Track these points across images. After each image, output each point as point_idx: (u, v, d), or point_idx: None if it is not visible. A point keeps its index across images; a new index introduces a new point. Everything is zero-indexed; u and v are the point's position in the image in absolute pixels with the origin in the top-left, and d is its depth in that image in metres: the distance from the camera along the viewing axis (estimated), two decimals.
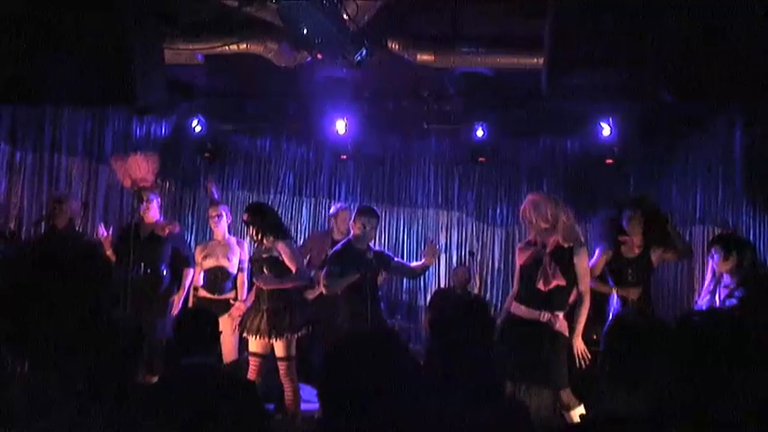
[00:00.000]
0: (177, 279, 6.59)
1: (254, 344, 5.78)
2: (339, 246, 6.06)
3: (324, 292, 5.98)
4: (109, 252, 6.33)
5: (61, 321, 1.56)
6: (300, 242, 7.94)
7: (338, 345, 1.88)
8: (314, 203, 9.37)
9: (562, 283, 5.11)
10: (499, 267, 8.92)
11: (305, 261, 7.07)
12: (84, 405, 1.52)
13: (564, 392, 5.03)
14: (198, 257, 6.59)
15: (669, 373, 2.08)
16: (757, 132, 7.72)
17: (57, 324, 1.55)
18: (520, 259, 5.33)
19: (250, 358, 5.82)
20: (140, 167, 6.70)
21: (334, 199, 9.01)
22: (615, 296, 5.93)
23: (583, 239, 5.27)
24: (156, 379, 4.54)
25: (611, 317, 5.88)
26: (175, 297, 6.53)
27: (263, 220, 5.80)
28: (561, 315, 5.20)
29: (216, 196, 7.04)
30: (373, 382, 1.70)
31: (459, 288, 7.97)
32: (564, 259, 5.13)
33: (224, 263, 6.48)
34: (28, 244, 4.35)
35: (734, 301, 5.39)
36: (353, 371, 1.73)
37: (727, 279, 5.54)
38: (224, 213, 6.65)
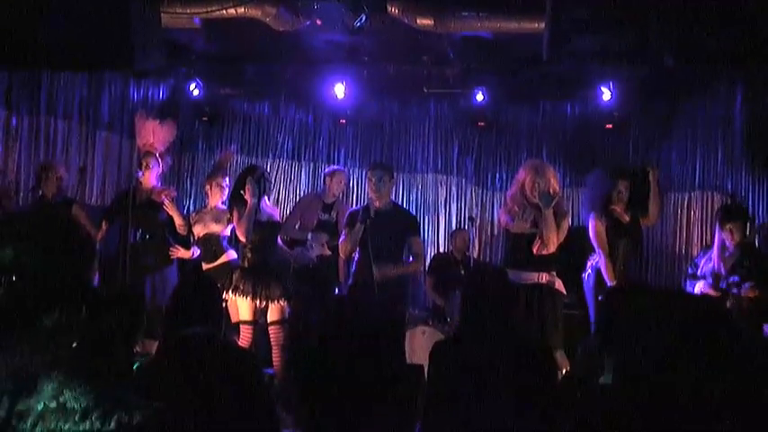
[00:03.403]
0: (182, 244, 6.53)
1: (245, 311, 5.73)
2: (360, 206, 5.93)
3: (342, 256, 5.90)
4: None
5: (46, 297, 1.54)
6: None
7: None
8: (312, 168, 9.33)
9: (553, 249, 5.32)
10: (498, 232, 8.92)
11: (296, 225, 7.09)
12: (76, 379, 1.50)
13: (558, 353, 5.12)
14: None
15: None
16: (758, 97, 7.67)
17: (42, 300, 1.53)
18: (516, 228, 5.39)
19: (241, 327, 5.75)
20: (155, 133, 6.63)
21: (333, 163, 8.96)
22: (601, 259, 5.91)
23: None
24: (155, 345, 4.55)
25: (587, 277, 5.98)
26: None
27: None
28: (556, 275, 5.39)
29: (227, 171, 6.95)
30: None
31: (459, 252, 7.96)
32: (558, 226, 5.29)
33: (213, 228, 6.36)
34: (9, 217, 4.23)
35: (743, 271, 5.41)
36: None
37: (731, 247, 5.55)
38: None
